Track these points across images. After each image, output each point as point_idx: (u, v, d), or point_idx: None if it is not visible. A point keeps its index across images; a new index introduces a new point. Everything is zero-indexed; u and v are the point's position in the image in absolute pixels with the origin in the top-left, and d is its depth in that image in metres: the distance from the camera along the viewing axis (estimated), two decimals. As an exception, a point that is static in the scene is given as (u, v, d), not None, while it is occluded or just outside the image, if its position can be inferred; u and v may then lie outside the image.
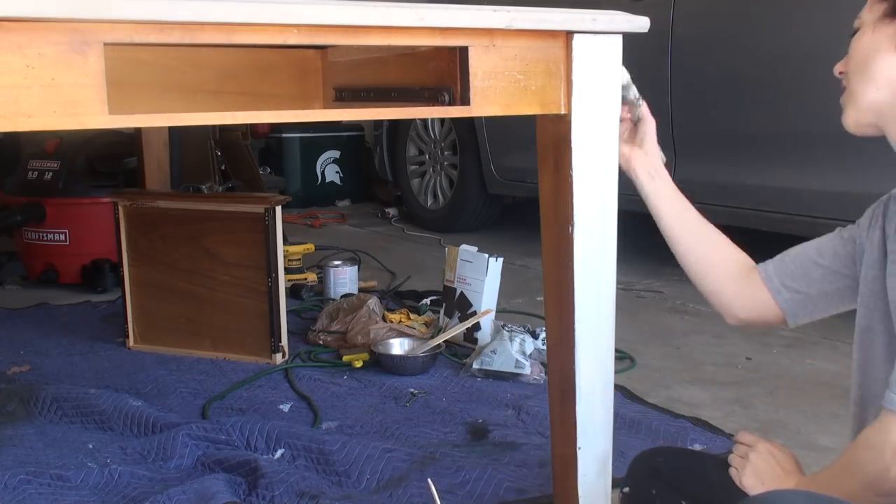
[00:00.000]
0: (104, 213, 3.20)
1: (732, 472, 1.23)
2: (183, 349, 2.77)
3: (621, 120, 1.45)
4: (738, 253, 1.47)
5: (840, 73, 1.25)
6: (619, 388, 2.34)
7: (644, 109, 1.49)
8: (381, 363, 2.61)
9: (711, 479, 1.30)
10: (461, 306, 2.82)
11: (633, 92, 1.46)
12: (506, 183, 4.51)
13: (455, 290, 2.84)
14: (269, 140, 5.85)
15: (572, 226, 1.41)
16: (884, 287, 1.18)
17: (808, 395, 2.38)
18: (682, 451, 1.76)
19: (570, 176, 1.39)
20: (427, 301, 3.19)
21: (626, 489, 1.38)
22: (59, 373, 2.61)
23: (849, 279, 1.30)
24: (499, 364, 2.51)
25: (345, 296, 3.18)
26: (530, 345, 2.58)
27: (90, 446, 2.08)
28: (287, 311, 2.76)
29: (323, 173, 6.13)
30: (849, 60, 1.23)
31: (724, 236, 1.48)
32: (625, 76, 1.43)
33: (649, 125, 1.48)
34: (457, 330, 2.76)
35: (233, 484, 1.85)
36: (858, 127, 1.22)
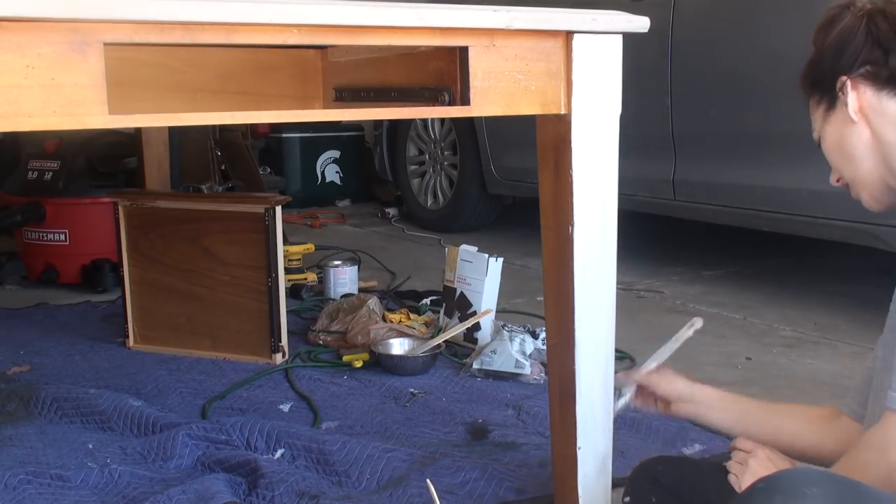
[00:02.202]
0: (104, 213, 3.20)
1: (731, 478, 1.22)
2: (183, 349, 2.77)
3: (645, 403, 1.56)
4: (815, 414, 1.46)
5: (837, 180, 1.30)
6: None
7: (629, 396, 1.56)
8: (381, 363, 2.61)
9: (711, 486, 1.30)
10: (461, 306, 2.82)
11: (623, 406, 1.55)
12: (506, 183, 4.51)
13: (455, 290, 2.84)
14: (269, 140, 5.85)
15: (572, 226, 1.41)
16: None
17: (808, 395, 2.38)
18: (683, 459, 1.76)
19: (570, 176, 1.39)
20: (427, 301, 3.19)
21: (628, 499, 1.38)
22: (59, 373, 2.61)
23: None
24: (499, 364, 2.51)
25: (345, 296, 3.18)
26: (530, 345, 2.58)
27: (90, 446, 2.08)
28: (287, 311, 2.76)
29: (323, 173, 6.13)
30: (831, 162, 1.28)
31: (797, 408, 1.50)
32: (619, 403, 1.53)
33: (661, 388, 1.53)
34: (457, 330, 2.76)
35: (233, 484, 1.85)
36: (881, 204, 1.27)
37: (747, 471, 1.21)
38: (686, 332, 1.60)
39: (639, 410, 1.58)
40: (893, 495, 1.03)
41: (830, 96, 1.23)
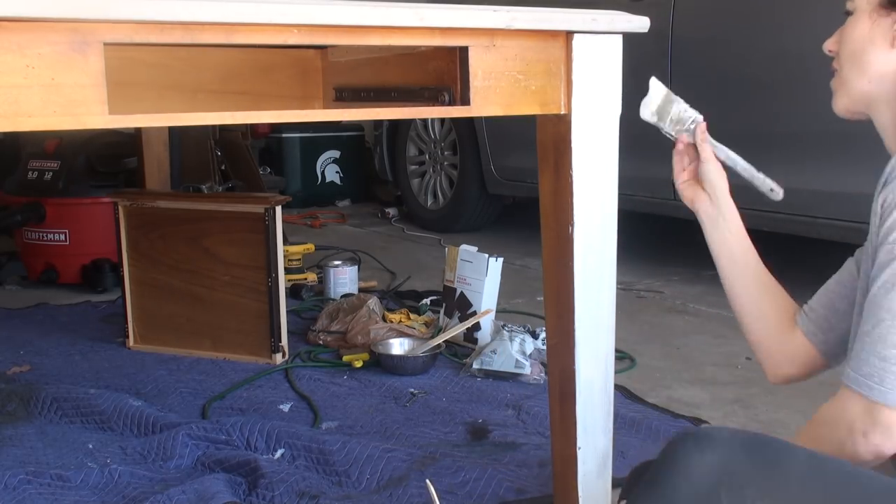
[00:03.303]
0: (104, 213, 3.20)
1: None
2: (183, 349, 2.77)
3: (679, 152, 1.44)
4: (786, 305, 1.43)
5: (830, 51, 1.26)
6: (619, 388, 2.34)
7: (702, 146, 1.43)
8: (381, 363, 2.61)
9: None
10: (461, 306, 2.82)
11: (683, 119, 1.42)
12: (506, 183, 4.51)
13: (455, 290, 2.84)
14: (269, 140, 5.85)
15: (572, 226, 1.41)
16: None
17: (808, 395, 2.37)
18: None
19: (570, 176, 1.39)
20: (427, 301, 3.19)
21: (624, 501, 1.38)
22: (59, 373, 2.61)
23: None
24: (499, 364, 2.51)
25: (345, 296, 3.18)
26: (530, 345, 2.58)
27: (90, 446, 2.08)
28: (287, 311, 2.76)
29: (323, 173, 6.13)
30: (841, 44, 1.23)
31: (778, 287, 1.45)
32: (675, 107, 1.41)
33: (708, 164, 1.43)
34: (457, 330, 2.76)
35: (233, 484, 1.85)
36: (849, 113, 1.25)
37: None
38: (764, 180, 1.47)
39: (676, 134, 1.43)
40: (805, 449, 1.06)
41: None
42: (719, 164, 1.43)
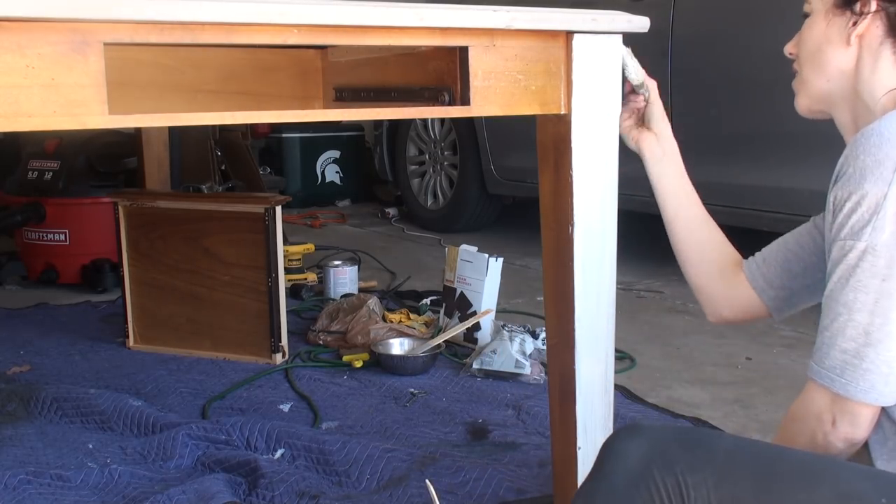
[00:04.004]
0: (104, 213, 3.20)
1: None
2: (183, 349, 2.77)
3: (627, 101, 1.47)
4: (730, 251, 1.48)
5: (791, 53, 1.29)
6: (619, 388, 2.34)
7: (652, 89, 1.49)
8: (381, 363, 2.61)
9: None
10: (461, 306, 2.82)
11: (635, 73, 1.45)
12: (506, 183, 4.51)
13: (455, 290, 2.84)
14: (269, 140, 5.85)
15: (572, 226, 1.41)
16: None
17: (808, 395, 2.38)
18: None
19: (570, 176, 1.39)
20: (427, 301, 3.19)
21: None
22: (59, 373, 2.61)
23: (817, 260, 1.34)
24: (499, 364, 2.51)
25: (345, 296, 3.18)
26: (530, 345, 2.58)
27: (90, 446, 2.08)
28: (287, 311, 2.76)
29: (323, 173, 6.13)
30: (800, 45, 1.26)
31: (720, 232, 1.50)
32: (626, 61, 1.42)
33: (655, 106, 1.49)
34: (457, 330, 2.76)
35: (233, 484, 1.85)
36: (811, 112, 1.29)
37: None
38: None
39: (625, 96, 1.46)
40: (732, 435, 1.12)
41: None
42: (661, 105, 1.50)
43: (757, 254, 1.43)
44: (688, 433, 1.11)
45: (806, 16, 1.25)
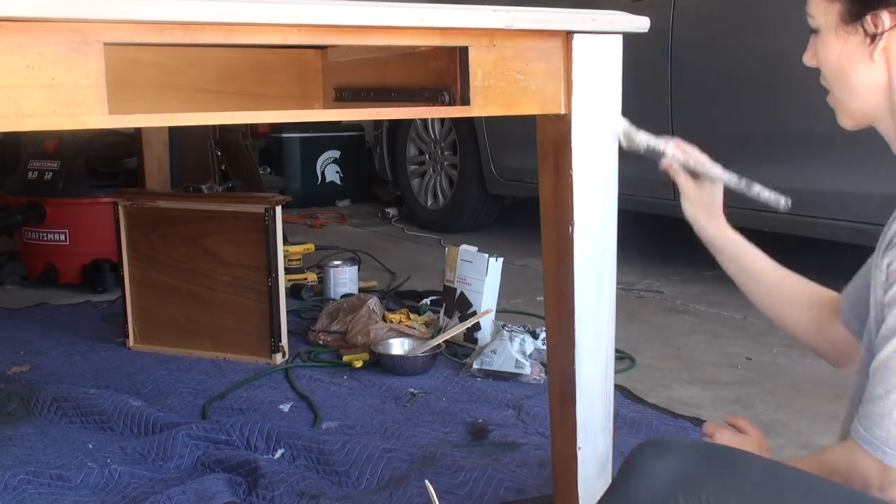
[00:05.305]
0: (104, 213, 3.20)
1: None
2: (183, 349, 2.77)
3: (665, 170, 1.40)
4: (822, 300, 1.39)
5: (811, 64, 1.20)
6: (619, 388, 2.34)
7: (706, 166, 1.40)
8: (381, 363, 2.61)
9: None
10: (461, 306, 2.82)
11: (644, 141, 1.38)
12: (506, 183, 4.51)
13: (455, 290, 2.84)
14: (269, 140, 5.85)
15: (572, 226, 1.41)
16: None
17: (808, 395, 2.38)
18: None
19: (570, 176, 1.39)
20: (427, 301, 3.19)
21: None
22: (59, 373, 2.61)
23: None
24: (499, 364, 2.51)
25: (345, 296, 3.18)
26: (530, 345, 2.58)
27: (90, 446, 2.08)
28: (287, 311, 2.76)
29: (323, 173, 6.13)
30: (821, 65, 1.18)
31: (805, 284, 1.42)
32: (633, 135, 1.36)
33: (715, 185, 1.41)
34: (457, 330, 2.76)
35: (233, 484, 1.85)
36: (857, 126, 1.22)
37: None
38: (766, 193, 1.39)
39: (663, 159, 1.38)
40: (763, 458, 1.07)
41: (852, 10, 1.09)
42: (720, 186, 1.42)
43: (845, 290, 1.35)
44: (717, 454, 1.06)
45: (813, 30, 1.17)
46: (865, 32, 1.10)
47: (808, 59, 1.20)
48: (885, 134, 1.18)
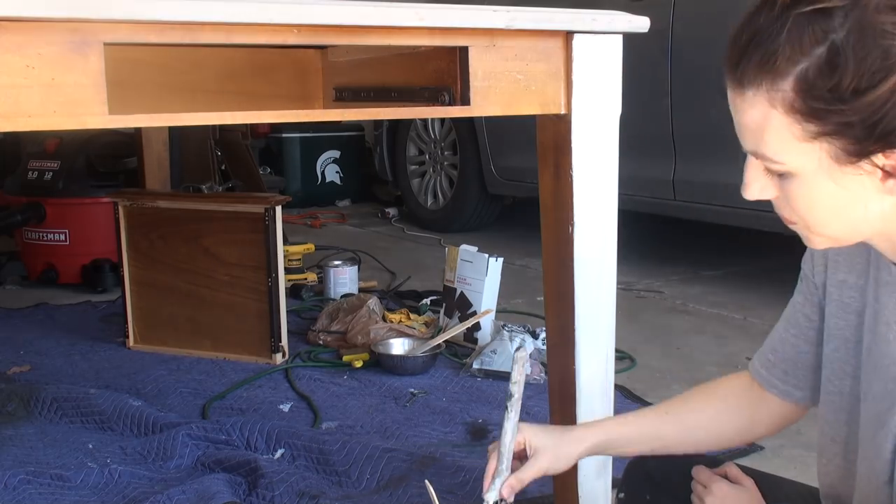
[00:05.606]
0: (104, 213, 3.20)
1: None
2: (183, 349, 2.77)
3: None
4: (721, 395, 1.26)
5: (761, 198, 0.99)
6: (619, 388, 2.33)
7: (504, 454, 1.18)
8: (381, 363, 2.61)
9: None
10: (461, 306, 2.82)
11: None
12: (506, 183, 4.51)
13: (455, 290, 2.84)
14: (269, 140, 5.85)
15: (572, 226, 1.41)
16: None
17: (808, 395, 2.38)
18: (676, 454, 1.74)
19: (570, 176, 1.39)
20: (427, 301, 3.19)
21: (622, 495, 1.38)
22: (59, 373, 2.61)
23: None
24: (499, 364, 2.51)
25: (345, 296, 3.18)
26: (530, 345, 2.58)
27: (90, 446, 2.08)
28: (287, 311, 2.76)
29: (323, 173, 6.13)
30: (799, 206, 0.94)
31: (701, 393, 1.29)
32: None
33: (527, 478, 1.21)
34: (457, 330, 2.76)
35: (233, 484, 1.85)
36: (834, 246, 1.03)
37: None
38: (520, 374, 1.15)
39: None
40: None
41: (854, 149, 0.87)
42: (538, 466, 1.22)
43: (757, 360, 1.22)
44: None
45: (781, 175, 0.94)
46: (875, 166, 0.87)
47: (786, 215, 0.98)
48: (880, 249, 1.00)
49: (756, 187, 0.98)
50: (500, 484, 1.17)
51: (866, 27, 0.83)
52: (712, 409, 1.26)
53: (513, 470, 1.19)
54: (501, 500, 1.18)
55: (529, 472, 1.20)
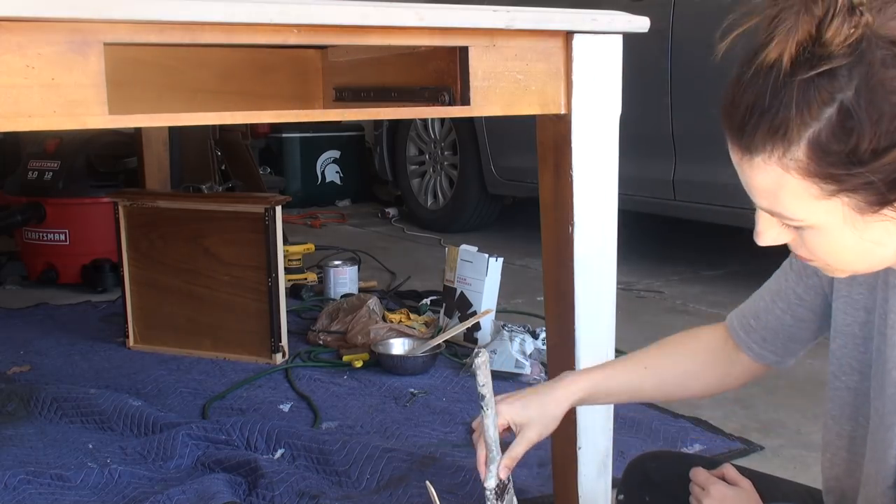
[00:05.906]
0: (104, 213, 3.20)
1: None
2: (183, 349, 2.77)
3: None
4: (705, 343, 1.29)
5: (807, 260, 0.96)
6: (619, 388, 2.33)
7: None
8: (381, 363, 2.61)
9: None
10: (461, 306, 2.82)
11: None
12: (506, 183, 4.51)
13: (455, 290, 2.84)
14: (269, 140, 5.85)
15: (572, 226, 1.41)
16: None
17: (808, 395, 2.38)
18: (676, 455, 1.73)
19: (570, 176, 1.39)
20: (427, 301, 3.19)
21: (621, 496, 1.38)
22: (59, 373, 2.61)
23: (823, 315, 1.17)
24: (499, 364, 2.51)
25: (345, 296, 3.18)
26: (530, 345, 2.58)
27: (90, 446, 2.08)
28: (287, 311, 2.76)
29: (323, 173, 6.13)
30: (824, 256, 0.93)
31: (679, 345, 1.32)
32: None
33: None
34: (457, 330, 2.76)
35: (233, 484, 1.85)
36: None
37: None
38: (485, 377, 1.18)
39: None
40: None
41: (876, 200, 0.84)
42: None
43: (736, 319, 1.24)
44: None
45: (799, 228, 0.91)
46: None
47: (801, 253, 0.95)
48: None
49: (770, 235, 0.95)
50: (495, 469, 1.21)
51: (876, 86, 0.80)
52: (689, 364, 1.30)
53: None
54: (500, 482, 1.23)
55: (520, 448, 1.24)
